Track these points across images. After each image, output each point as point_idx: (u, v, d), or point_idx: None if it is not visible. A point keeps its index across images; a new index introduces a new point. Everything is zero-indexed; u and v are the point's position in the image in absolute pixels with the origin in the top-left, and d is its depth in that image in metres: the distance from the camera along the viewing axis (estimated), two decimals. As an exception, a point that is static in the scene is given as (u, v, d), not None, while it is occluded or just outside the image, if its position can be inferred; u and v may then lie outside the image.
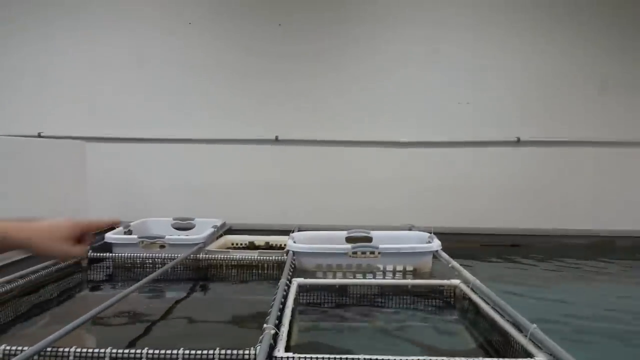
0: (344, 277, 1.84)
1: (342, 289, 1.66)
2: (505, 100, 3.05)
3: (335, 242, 2.07)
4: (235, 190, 3.08)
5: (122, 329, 1.33)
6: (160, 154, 3.11)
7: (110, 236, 2.05)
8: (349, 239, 2.13)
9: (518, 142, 3.02)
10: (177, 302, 1.59)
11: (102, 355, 0.98)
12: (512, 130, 3.03)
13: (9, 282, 1.51)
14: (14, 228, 0.89)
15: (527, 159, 3.03)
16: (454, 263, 1.73)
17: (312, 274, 1.85)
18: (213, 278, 1.90)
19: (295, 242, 1.98)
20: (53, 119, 3.10)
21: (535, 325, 1.07)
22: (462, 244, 2.53)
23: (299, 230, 2.27)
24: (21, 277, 1.57)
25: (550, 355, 0.99)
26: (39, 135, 3.06)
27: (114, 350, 0.98)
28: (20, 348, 0.96)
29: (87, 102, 3.13)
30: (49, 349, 0.98)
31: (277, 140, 3.08)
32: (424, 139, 3.07)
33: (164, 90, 3.12)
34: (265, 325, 1.07)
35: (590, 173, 3.01)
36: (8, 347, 0.97)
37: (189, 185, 3.09)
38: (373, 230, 2.17)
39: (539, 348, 1.03)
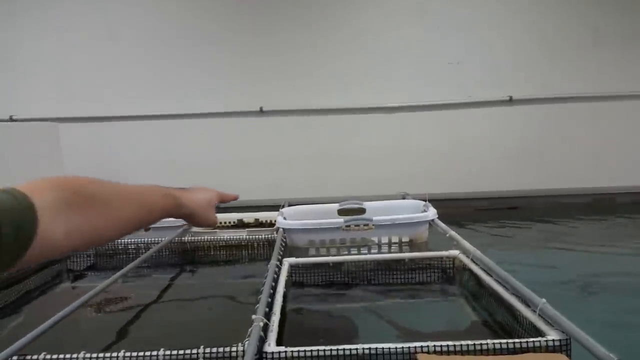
0: (338, 252, 1.76)
1: (337, 266, 1.58)
2: (496, 57, 2.93)
3: (327, 215, 1.99)
4: (220, 166, 2.97)
5: (104, 323, 1.25)
6: (139, 131, 2.98)
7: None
8: (341, 212, 2.04)
9: (511, 101, 2.92)
10: (163, 290, 1.50)
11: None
12: (505, 89, 2.93)
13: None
14: (186, 198, 0.90)
15: (521, 118, 2.93)
16: (452, 233, 1.65)
17: (304, 251, 1.77)
18: (200, 261, 1.82)
19: (286, 219, 1.89)
20: (24, 101, 2.95)
21: (544, 300, 0.99)
22: (457, 210, 2.46)
23: (289, 205, 2.18)
24: (-6, 272, 1.48)
25: (563, 332, 0.91)
26: (11, 119, 2.92)
27: (87, 355, 0.89)
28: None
29: (58, 82, 2.97)
30: (14, 358, 0.89)
31: (261, 112, 2.96)
32: (414, 102, 2.95)
33: (139, 65, 2.97)
34: (254, 317, 0.99)
35: (587, 129, 2.92)
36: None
37: (171, 162, 2.97)
38: (366, 201, 2.09)
39: (550, 325, 0.96)
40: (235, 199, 1.13)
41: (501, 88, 2.92)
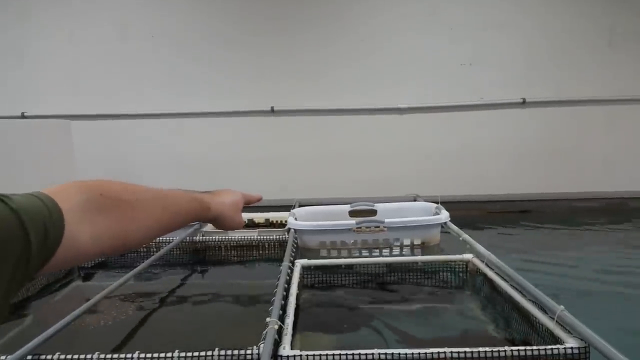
0: (349, 254, 1.75)
1: (348, 268, 1.57)
2: (509, 59, 2.91)
3: (338, 217, 1.98)
4: (231, 165, 2.96)
5: (117, 323, 1.25)
6: (150, 129, 2.98)
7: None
8: (352, 213, 2.03)
9: (524, 103, 2.90)
10: (174, 290, 1.50)
11: (88, 361, 0.89)
12: (518, 91, 2.90)
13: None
14: (213, 202, 0.90)
15: (534, 120, 2.90)
16: (465, 236, 1.63)
17: (315, 252, 1.76)
18: (212, 261, 1.81)
19: (297, 219, 1.88)
20: (36, 98, 2.95)
21: (562, 307, 0.98)
22: (469, 212, 2.45)
23: (299, 206, 2.17)
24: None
25: (582, 340, 0.90)
26: (23, 116, 2.93)
27: (102, 356, 0.89)
28: (-3, 358, 0.87)
29: (70, 79, 2.97)
30: (29, 358, 0.89)
31: (273, 111, 2.95)
32: (426, 103, 2.93)
33: (151, 63, 2.97)
34: (268, 319, 0.98)
35: (601, 133, 2.88)
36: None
37: (182, 161, 2.97)
38: (377, 202, 2.08)
39: (569, 332, 0.94)
40: (260, 199, 1.12)
41: (514, 90, 2.89)
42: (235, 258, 1.82)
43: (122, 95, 2.97)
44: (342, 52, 2.94)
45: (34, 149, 2.18)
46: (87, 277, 1.70)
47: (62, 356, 0.89)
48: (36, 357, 0.89)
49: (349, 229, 1.78)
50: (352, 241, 1.80)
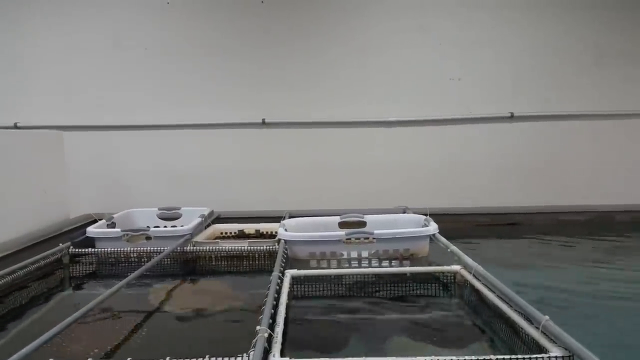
0: (339, 265, 1.77)
1: (338, 279, 1.59)
2: (497, 74, 2.95)
3: (328, 228, 2.00)
4: (222, 177, 2.97)
5: (108, 331, 1.25)
6: (141, 140, 2.97)
7: (92, 230, 1.96)
8: (342, 225, 2.06)
9: (512, 118, 2.94)
10: (163, 300, 1.50)
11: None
12: (506, 106, 2.94)
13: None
14: None
15: (522, 134, 2.94)
16: (453, 247, 1.66)
17: (305, 263, 1.78)
18: (202, 271, 1.82)
19: (287, 230, 1.90)
20: (29, 108, 2.95)
21: (547, 317, 1.00)
22: (457, 225, 2.47)
23: (290, 217, 2.19)
24: (-4, 279, 1.48)
25: (566, 349, 0.92)
26: (15, 126, 2.92)
27: (93, 364, 0.90)
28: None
29: (63, 90, 2.97)
30: (20, 365, 0.89)
31: (264, 123, 2.97)
32: (415, 117, 2.97)
33: (143, 75, 2.98)
34: (258, 327, 0.99)
35: (588, 147, 2.93)
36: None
37: (173, 173, 2.97)
38: (366, 214, 2.10)
39: (553, 342, 0.96)
40: None
41: (502, 104, 2.94)
42: (226, 268, 1.83)
43: (114, 107, 2.98)
44: (334, 65, 2.98)
45: (26, 159, 2.19)
46: (78, 287, 1.70)
47: (53, 364, 0.90)
48: (27, 364, 0.90)
49: (339, 240, 1.80)
50: (341, 252, 1.81)
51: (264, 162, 2.99)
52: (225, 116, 2.96)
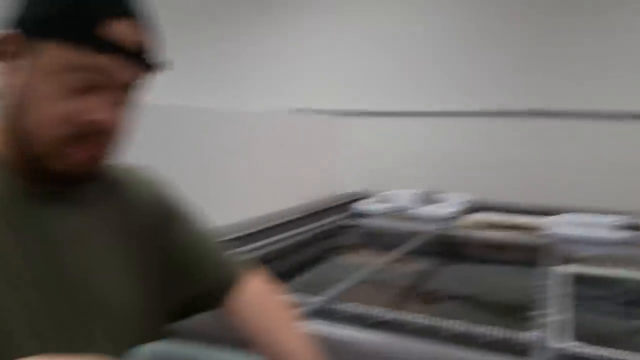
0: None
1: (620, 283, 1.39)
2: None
3: (602, 228, 1.78)
4: (486, 165, 2.86)
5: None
6: (415, 125, 3.10)
7: (359, 207, 2.12)
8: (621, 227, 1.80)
9: None
10: (422, 275, 1.53)
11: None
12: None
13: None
14: None
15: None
16: None
17: (581, 263, 1.61)
18: (462, 256, 1.80)
19: (560, 226, 1.76)
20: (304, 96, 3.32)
21: None
22: None
23: (559, 213, 2.01)
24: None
25: None
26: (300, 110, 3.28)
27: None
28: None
29: (341, 78, 3.30)
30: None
31: (535, 114, 2.75)
32: None
33: (418, 64, 3.10)
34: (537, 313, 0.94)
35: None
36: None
37: (437, 158, 3.00)
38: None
39: None
40: None
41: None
42: (487, 257, 1.79)
43: (398, 94, 3.18)
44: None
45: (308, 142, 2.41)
46: (349, 252, 1.85)
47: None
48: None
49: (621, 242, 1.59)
50: (617, 255, 1.60)
51: (532, 153, 2.80)
52: (494, 104, 2.85)
